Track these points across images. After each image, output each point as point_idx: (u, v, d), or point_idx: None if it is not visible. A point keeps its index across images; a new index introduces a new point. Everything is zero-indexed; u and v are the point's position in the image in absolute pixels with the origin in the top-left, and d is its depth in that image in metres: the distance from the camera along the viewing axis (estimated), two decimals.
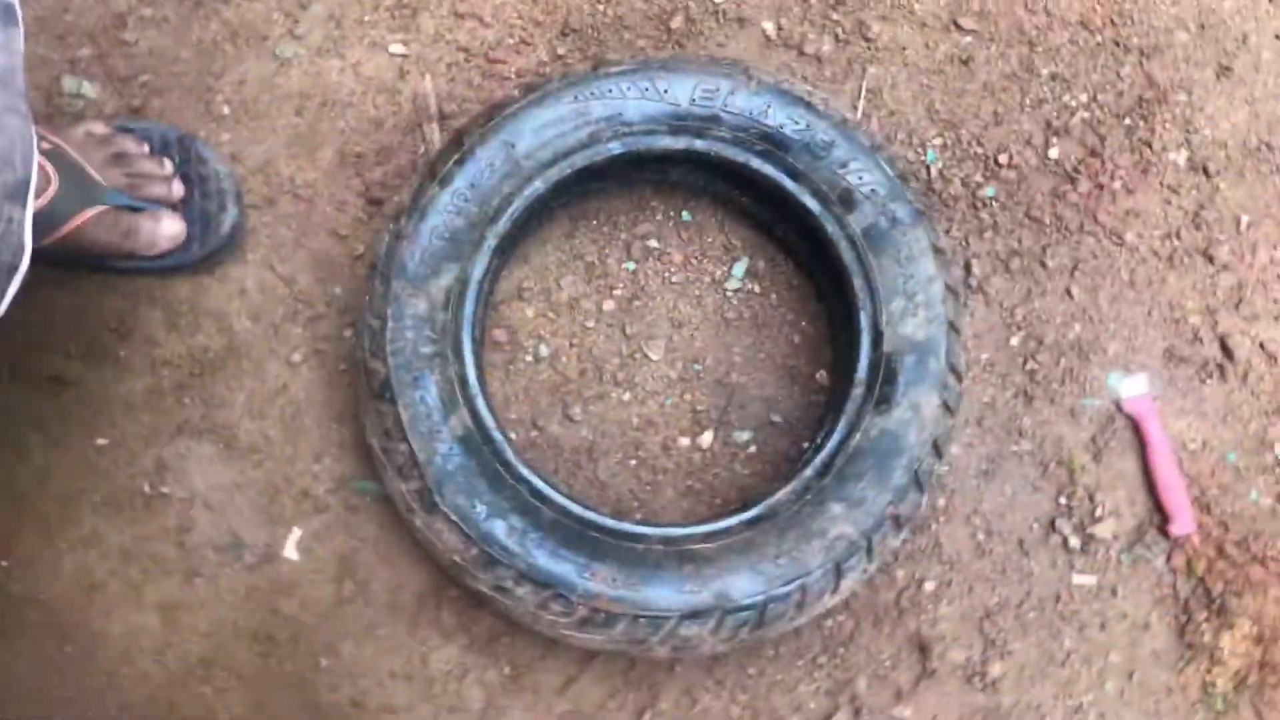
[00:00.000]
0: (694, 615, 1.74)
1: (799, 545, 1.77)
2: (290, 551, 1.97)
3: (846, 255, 1.91)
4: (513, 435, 2.01)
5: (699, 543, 1.79)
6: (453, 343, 1.83)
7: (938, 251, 1.92)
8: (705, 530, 1.80)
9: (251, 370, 2.01)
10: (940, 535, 2.03)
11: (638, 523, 1.81)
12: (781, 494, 1.81)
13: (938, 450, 1.86)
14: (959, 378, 1.90)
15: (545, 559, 1.75)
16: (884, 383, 1.85)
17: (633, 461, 2.03)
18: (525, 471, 1.80)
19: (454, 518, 1.76)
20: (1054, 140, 2.19)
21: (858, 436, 1.83)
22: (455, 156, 1.88)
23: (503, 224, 1.87)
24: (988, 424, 2.08)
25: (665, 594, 1.73)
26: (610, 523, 1.79)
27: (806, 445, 2.03)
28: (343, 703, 1.96)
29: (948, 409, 1.87)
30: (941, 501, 2.04)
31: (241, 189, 2.00)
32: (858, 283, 1.90)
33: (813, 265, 2.06)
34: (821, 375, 2.08)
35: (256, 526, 1.97)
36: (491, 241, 1.86)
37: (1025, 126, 2.20)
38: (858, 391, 1.86)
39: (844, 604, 1.84)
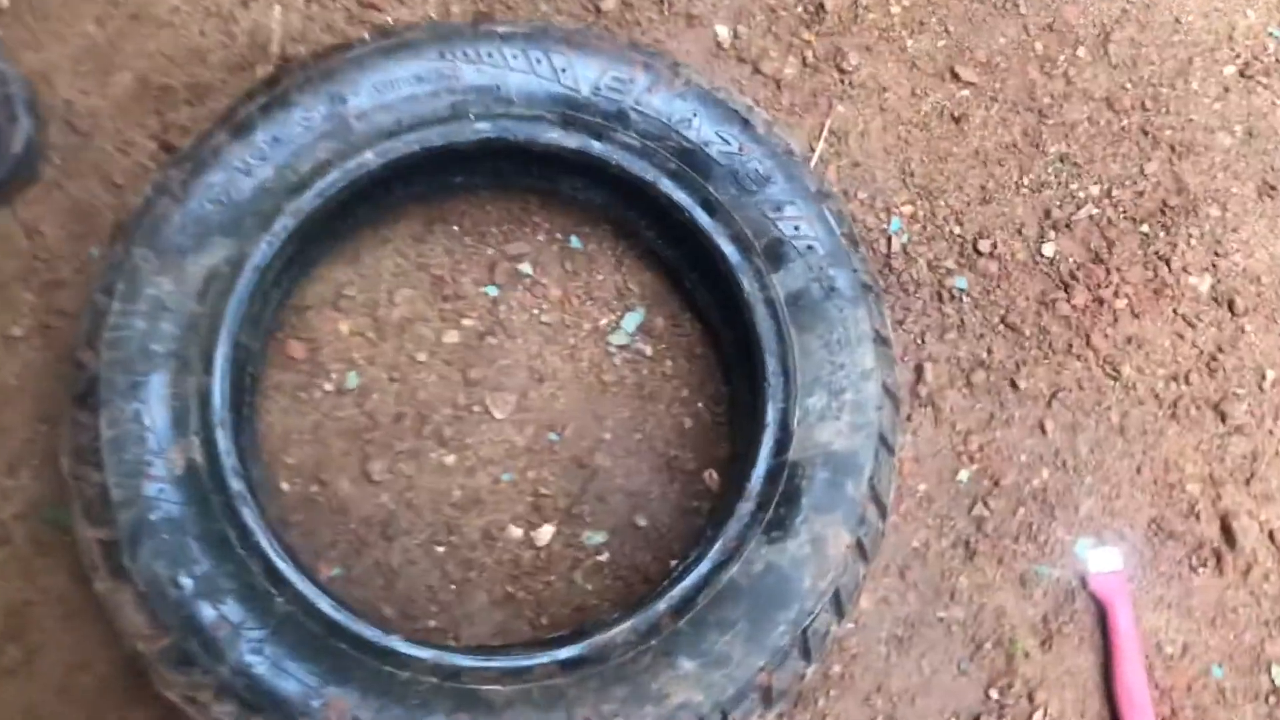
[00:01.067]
0: None
1: (625, 711, 1.26)
2: None
3: (762, 324, 1.44)
4: (283, 485, 1.50)
5: (489, 682, 1.28)
6: (202, 345, 1.32)
7: (881, 341, 1.46)
8: (501, 666, 1.29)
9: None
10: (827, 714, 1.52)
11: (410, 638, 1.29)
12: (620, 630, 1.32)
13: (839, 605, 1.37)
14: (883, 511, 1.42)
15: (264, 669, 1.23)
16: (782, 502, 1.38)
17: (440, 549, 1.52)
18: (264, 540, 1.28)
19: (144, 588, 1.24)
20: (1051, 234, 1.76)
21: (735, 569, 1.36)
22: (264, 99, 1.39)
23: (310, 199, 1.38)
24: (912, 577, 1.60)
25: None
26: (369, 633, 1.27)
27: (675, 563, 1.52)
28: None
29: (861, 551, 1.39)
30: (837, 668, 1.55)
31: (36, 96, 1.53)
32: (770, 363, 1.43)
33: (722, 331, 1.58)
34: (710, 476, 1.59)
35: None
36: (289, 220, 1.37)
37: (1019, 212, 1.76)
38: (745, 507, 1.38)
39: None
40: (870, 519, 1.41)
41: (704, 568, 1.37)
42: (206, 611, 1.25)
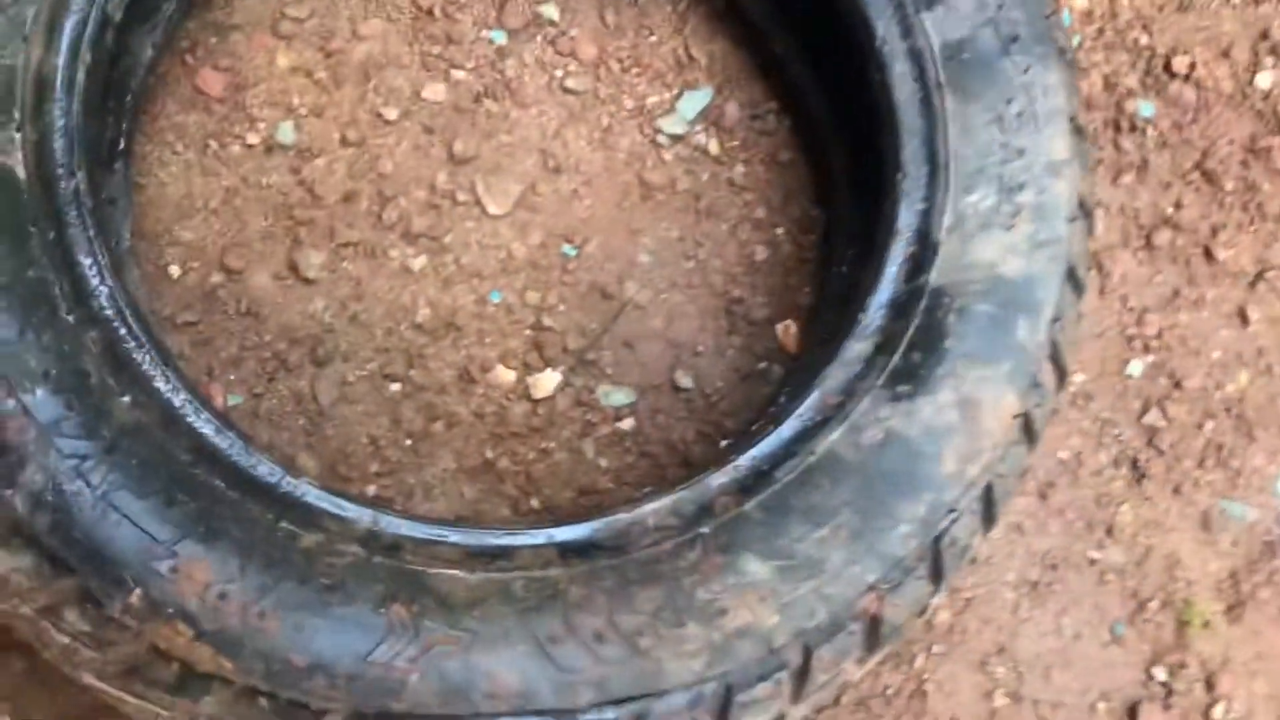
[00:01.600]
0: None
1: (655, 627, 0.78)
2: None
3: (901, 88, 0.99)
4: (172, 270, 1.02)
5: (445, 564, 0.81)
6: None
7: (1076, 130, 0.97)
8: (466, 543, 0.83)
9: None
10: (926, 679, 1.06)
11: (328, 489, 0.82)
12: (653, 509, 0.88)
13: (989, 507, 0.92)
14: (1061, 376, 0.94)
15: (87, 505, 0.78)
16: (915, 344, 0.96)
17: (394, 386, 1.06)
18: (111, 295, 0.82)
19: None
20: (1268, 62, 1.32)
21: (837, 435, 0.92)
22: None
23: None
24: (1057, 501, 1.19)
25: (334, 643, 0.79)
26: (263, 469, 0.81)
27: (725, 442, 1.05)
28: None
29: (1028, 430, 0.93)
30: (945, 616, 1.08)
31: None
32: (909, 143, 0.97)
33: (825, 115, 1.11)
34: (786, 330, 1.13)
35: None
36: None
37: (1226, 27, 1.38)
38: (858, 349, 0.95)
39: None
40: (1045, 384, 0.94)
41: (788, 430, 0.90)
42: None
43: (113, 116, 0.97)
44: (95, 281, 0.83)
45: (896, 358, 0.92)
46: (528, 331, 1.11)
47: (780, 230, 1.18)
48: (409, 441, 1.06)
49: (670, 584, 0.84)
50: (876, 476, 0.89)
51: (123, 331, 0.83)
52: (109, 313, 0.83)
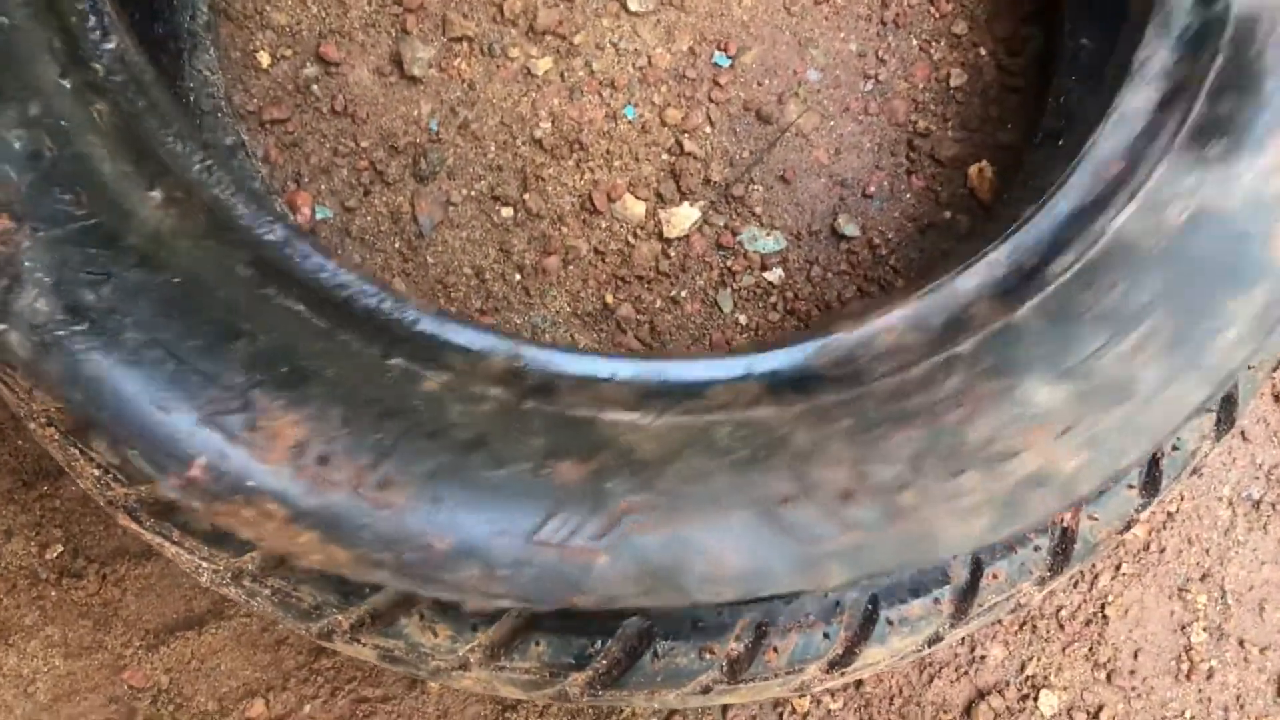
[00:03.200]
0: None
1: (917, 479, 0.62)
2: None
3: None
4: (261, 58, 0.87)
5: (620, 408, 0.64)
6: None
7: None
8: (646, 381, 0.65)
9: None
10: (1109, 601, 0.88)
11: (456, 316, 0.67)
12: (884, 324, 0.67)
13: None
14: None
15: (121, 344, 0.61)
16: (1222, 88, 0.69)
17: (505, 210, 0.89)
18: (123, 80, 0.65)
19: None
20: None
21: (1129, 212, 0.67)
22: None
23: None
24: None
25: (488, 519, 0.59)
26: (361, 286, 0.64)
27: (926, 284, 0.87)
28: None
29: None
30: (1138, 533, 0.89)
31: None
32: None
33: None
34: (980, 171, 0.92)
35: None
36: None
37: None
38: (1140, 99, 0.71)
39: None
40: None
41: (1062, 207, 0.69)
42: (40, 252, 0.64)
43: None
44: (95, 37, 0.64)
45: (1197, 108, 0.68)
46: (665, 156, 0.93)
47: (983, 50, 0.95)
48: (518, 276, 0.91)
49: (928, 417, 0.62)
50: (1189, 264, 0.64)
51: (140, 104, 0.64)
52: (118, 79, 0.64)
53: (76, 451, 0.65)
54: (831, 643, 0.68)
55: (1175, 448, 0.71)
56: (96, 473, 0.66)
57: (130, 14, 0.71)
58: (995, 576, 0.70)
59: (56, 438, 0.66)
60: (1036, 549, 0.70)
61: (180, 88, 0.80)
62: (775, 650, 0.67)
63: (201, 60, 0.80)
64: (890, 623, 0.69)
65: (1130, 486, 0.71)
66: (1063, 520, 0.70)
